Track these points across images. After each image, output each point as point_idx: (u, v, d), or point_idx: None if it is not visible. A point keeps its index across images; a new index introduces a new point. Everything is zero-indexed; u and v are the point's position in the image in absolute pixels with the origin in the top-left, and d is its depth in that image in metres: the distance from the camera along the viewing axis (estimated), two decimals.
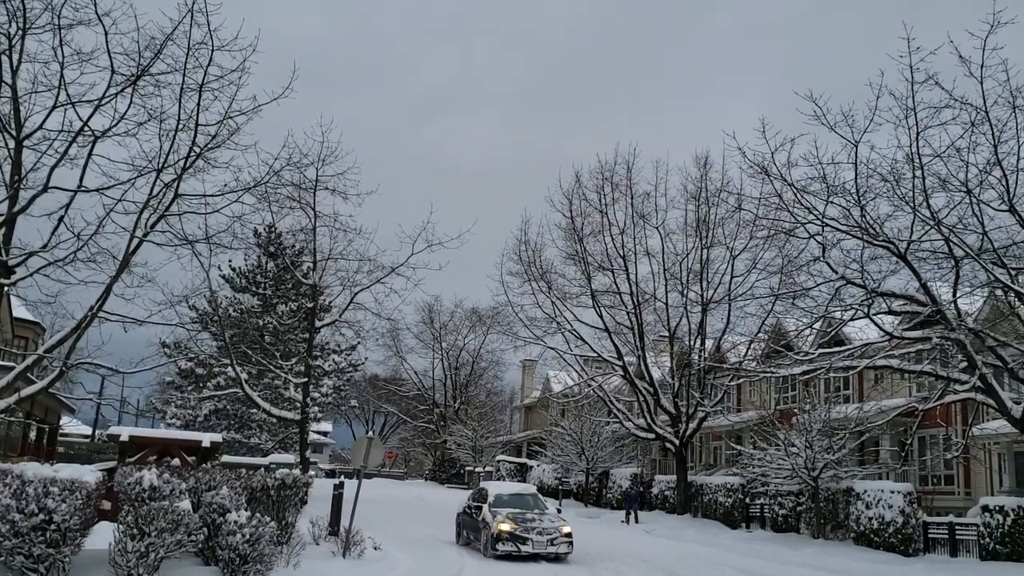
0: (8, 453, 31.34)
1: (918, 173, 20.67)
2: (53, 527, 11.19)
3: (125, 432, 21.10)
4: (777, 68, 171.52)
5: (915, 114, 20.31)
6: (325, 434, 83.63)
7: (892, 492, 24.49)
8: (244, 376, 33.18)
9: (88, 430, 63.95)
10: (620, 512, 37.02)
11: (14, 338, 35.93)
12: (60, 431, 51.20)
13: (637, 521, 34.10)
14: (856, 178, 21.67)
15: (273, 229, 39.67)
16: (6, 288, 16.78)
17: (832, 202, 22.31)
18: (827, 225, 22.45)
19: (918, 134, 20.42)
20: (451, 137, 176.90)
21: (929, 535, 24.01)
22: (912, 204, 21.04)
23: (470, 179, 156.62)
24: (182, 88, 16.57)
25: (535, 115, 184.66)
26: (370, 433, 21.98)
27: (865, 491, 25.32)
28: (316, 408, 41.24)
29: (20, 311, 36.53)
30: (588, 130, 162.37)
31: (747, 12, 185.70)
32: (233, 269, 42.83)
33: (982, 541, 21.83)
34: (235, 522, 13.05)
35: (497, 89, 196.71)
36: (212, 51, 16.34)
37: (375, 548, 17.76)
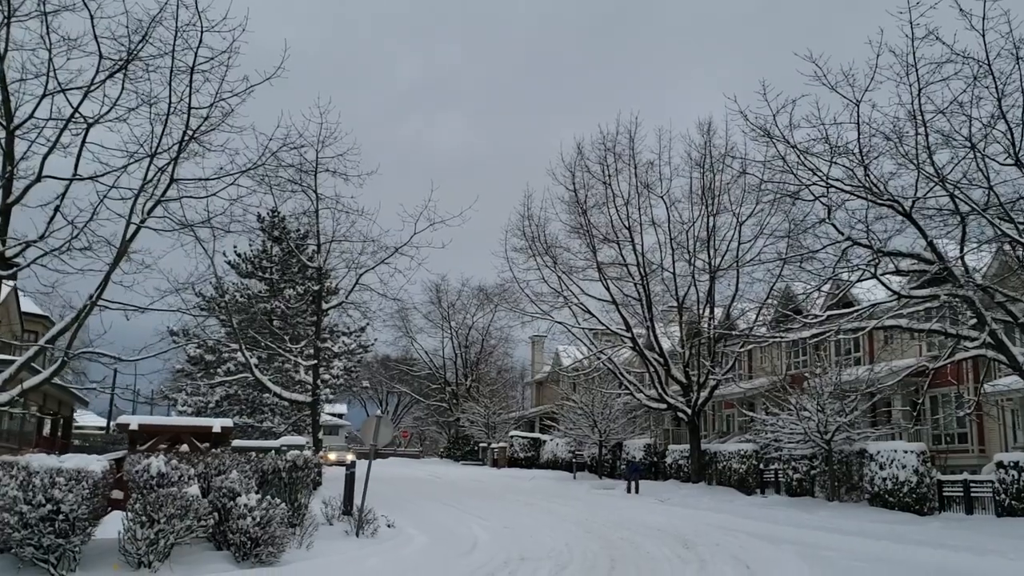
0: (23, 446, 31.56)
1: (921, 130, 20.41)
2: (61, 517, 11.21)
3: (135, 421, 21.08)
4: (770, 34, 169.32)
5: (916, 70, 20.02)
6: (340, 416, 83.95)
7: (905, 452, 24.38)
8: (254, 361, 33.22)
9: (103, 421, 64.49)
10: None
11: (24, 332, 36.10)
12: (76, 424, 51.62)
13: (637, 491, 34.19)
14: (859, 137, 21.43)
15: (276, 213, 39.59)
16: (5, 280, 16.74)
17: (836, 163, 22.09)
18: (832, 186, 22.22)
19: (920, 90, 20.13)
20: (434, 129, 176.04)
21: (944, 494, 23.95)
22: (916, 161, 20.77)
23: (460, 168, 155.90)
24: (172, 71, 16.41)
25: (516, 103, 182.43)
26: (379, 412, 21.75)
27: (878, 452, 25.22)
28: (328, 390, 41.34)
29: (29, 305, 36.68)
30: (588, 106, 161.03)
31: None
32: (238, 255, 42.84)
33: (997, 498, 21.75)
34: (245, 505, 13.05)
35: (472, 82, 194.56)
36: (201, 32, 16.17)
37: (388, 526, 17.81)
